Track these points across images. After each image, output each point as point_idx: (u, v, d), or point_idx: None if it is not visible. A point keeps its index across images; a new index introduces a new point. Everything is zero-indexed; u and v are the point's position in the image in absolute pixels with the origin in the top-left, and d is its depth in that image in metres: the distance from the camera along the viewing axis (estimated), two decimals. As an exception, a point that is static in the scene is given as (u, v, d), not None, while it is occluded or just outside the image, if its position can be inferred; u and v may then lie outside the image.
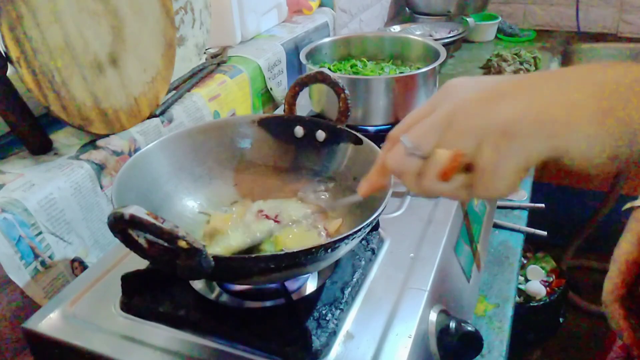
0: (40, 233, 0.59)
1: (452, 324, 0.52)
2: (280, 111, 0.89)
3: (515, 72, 1.43)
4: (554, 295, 1.39)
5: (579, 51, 1.83)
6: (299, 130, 0.64)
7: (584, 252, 1.90)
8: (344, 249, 0.47)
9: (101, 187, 0.67)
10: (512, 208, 0.97)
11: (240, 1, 1.04)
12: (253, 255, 0.41)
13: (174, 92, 0.85)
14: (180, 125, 0.80)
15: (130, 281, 0.53)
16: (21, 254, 0.56)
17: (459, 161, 0.33)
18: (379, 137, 0.87)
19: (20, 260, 0.56)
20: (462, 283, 0.66)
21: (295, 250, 0.41)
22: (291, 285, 0.55)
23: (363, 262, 0.56)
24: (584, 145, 0.31)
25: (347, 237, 0.43)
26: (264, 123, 0.65)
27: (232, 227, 0.56)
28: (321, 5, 1.39)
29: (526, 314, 1.37)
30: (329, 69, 0.99)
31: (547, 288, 1.41)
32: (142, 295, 0.53)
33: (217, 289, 0.55)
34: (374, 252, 0.58)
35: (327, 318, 0.49)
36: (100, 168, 0.67)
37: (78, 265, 0.64)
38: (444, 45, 0.99)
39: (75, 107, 0.65)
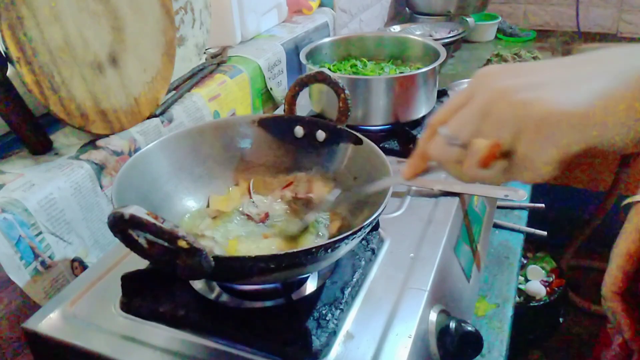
0: (40, 233, 0.59)
1: (452, 324, 0.52)
2: (280, 111, 0.89)
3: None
4: (554, 295, 1.39)
5: (579, 51, 1.83)
6: (299, 130, 0.64)
7: (584, 252, 1.90)
8: (344, 249, 0.47)
9: (101, 187, 0.67)
10: (512, 208, 0.97)
11: (240, 1, 1.04)
12: (253, 255, 0.41)
13: (174, 92, 0.85)
14: (180, 125, 0.81)
15: (130, 281, 0.53)
16: (21, 254, 0.56)
17: (497, 150, 0.34)
18: (379, 137, 0.88)
19: (20, 260, 0.56)
20: (462, 283, 0.66)
21: (295, 250, 0.41)
22: (291, 285, 0.55)
23: (363, 262, 0.56)
24: (618, 137, 0.32)
25: (347, 237, 0.43)
26: (264, 123, 0.65)
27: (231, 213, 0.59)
28: (321, 5, 1.39)
29: (526, 314, 1.37)
30: (329, 69, 0.99)
31: (547, 288, 1.41)
32: (142, 295, 0.53)
33: (217, 289, 0.55)
34: (374, 252, 0.58)
35: (327, 318, 0.49)
36: (100, 168, 0.67)
37: (78, 265, 0.64)
38: (444, 45, 0.99)
39: (75, 107, 0.65)
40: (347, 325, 0.50)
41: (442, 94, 1.02)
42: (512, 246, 0.88)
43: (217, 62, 0.97)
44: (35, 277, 0.58)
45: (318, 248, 0.42)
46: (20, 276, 0.56)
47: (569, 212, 1.80)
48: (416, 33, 1.50)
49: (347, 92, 0.61)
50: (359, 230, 0.44)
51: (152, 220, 0.37)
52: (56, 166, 0.64)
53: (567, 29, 1.96)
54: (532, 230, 0.93)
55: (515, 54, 1.50)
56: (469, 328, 0.52)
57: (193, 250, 0.38)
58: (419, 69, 0.92)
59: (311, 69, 0.90)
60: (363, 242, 0.58)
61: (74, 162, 0.65)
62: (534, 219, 0.97)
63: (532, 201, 0.99)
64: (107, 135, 0.70)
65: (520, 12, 2.02)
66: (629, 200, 0.66)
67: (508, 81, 0.35)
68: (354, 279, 0.53)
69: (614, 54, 0.35)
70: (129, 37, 0.72)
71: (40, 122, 0.67)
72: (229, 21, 1.04)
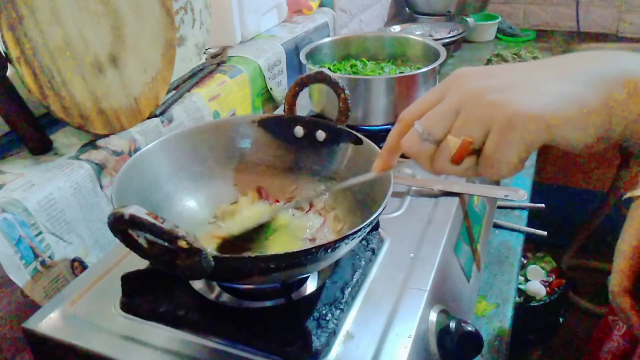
0: (40, 233, 0.59)
1: (452, 324, 0.52)
2: (280, 111, 0.89)
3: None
4: (554, 295, 1.39)
5: (578, 51, 1.83)
6: (299, 130, 0.64)
7: (584, 252, 1.90)
8: (344, 249, 0.47)
9: (101, 187, 0.67)
10: (512, 208, 0.97)
11: (240, 1, 1.04)
12: (253, 255, 0.41)
13: (174, 92, 0.85)
14: (180, 125, 0.80)
15: (130, 281, 0.53)
16: (21, 254, 0.56)
17: (468, 148, 0.36)
18: (379, 137, 0.88)
19: (20, 260, 0.56)
20: (462, 283, 0.66)
21: (295, 250, 0.41)
22: (291, 285, 0.55)
23: (363, 262, 0.56)
24: (579, 134, 0.35)
25: (347, 237, 0.43)
26: (264, 123, 0.65)
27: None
28: (321, 5, 1.39)
29: (526, 314, 1.37)
30: (329, 69, 0.99)
31: (547, 288, 1.41)
32: (142, 295, 0.53)
33: (217, 289, 0.55)
34: (374, 252, 0.58)
35: (327, 318, 0.49)
36: (100, 168, 0.67)
37: (78, 265, 0.64)
38: (444, 45, 0.99)
39: (75, 107, 0.65)
40: (347, 325, 0.50)
41: (442, 94, 1.02)
42: (512, 246, 0.88)
43: (217, 62, 0.97)
44: (35, 277, 0.58)
45: (318, 248, 0.42)
46: (20, 276, 0.56)
47: (569, 212, 1.80)
48: (416, 33, 1.50)
49: (347, 92, 0.61)
50: (359, 230, 0.44)
51: (152, 220, 0.37)
52: (56, 166, 0.64)
53: (567, 29, 1.96)
54: (532, 230, 0.93)
55: (515, 54, 1.50)
56: (469, 328, 0.52)
57: (193, 250, 0.38)
58: (419, 69, 0.92)
59: (311, 69, 0.90)
60: (363, 242, 0.58)
61: (74, 162, 0.65)
62: (534, 219, 0.97)
63: (532, 201, 0.99)
64: (107, 135, 0.70)
65: (520, 12, 2.02)
66: (629, 194, 0.65)
67: (480, 82, 0.37)
68: (354, 279, 0.53)
69: (580, 58, 0.38)
70: (129, 37, 0.72)
71: (40, 122, 0.67)
72: (229, 21, 1.04)
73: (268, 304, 0.53)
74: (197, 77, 0.90)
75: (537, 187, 1.07)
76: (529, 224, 0.95)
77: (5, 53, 0.58)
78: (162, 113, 0.79)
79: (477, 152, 0.37)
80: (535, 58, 1.49)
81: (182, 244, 0.37)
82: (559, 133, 0.34)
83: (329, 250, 0.43)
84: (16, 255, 0.56)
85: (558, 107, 0.34)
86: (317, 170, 0.64)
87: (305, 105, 0.98)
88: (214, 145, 0.63)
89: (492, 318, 0.73)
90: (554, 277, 1.45)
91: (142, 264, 0.54)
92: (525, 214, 0.97)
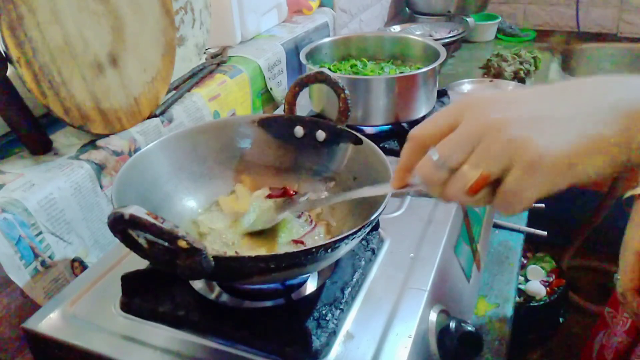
0: (40, 233, 0.59)
1: (452, 324, 0.52)
2: (280, 111, 0.89)
3: (516, 72, 1.43)
4: (554, 295, 1.39)
5: (579, 51, 1.83)
6: (299, 130, 0.64)
7: (584, 252, 1.89)
8: (344, 249, 0.47)
9: (101, 187, 0.67)
10: (512, 208, 0.97)
11: (240, 1, 1.04)
12: (253, 255, 0.41)
13: (174, 92, 0.85)
14: (180, 125, 0.81)
15: (130, 281, 0.53)
16: (21, 254, 0.56)
17: (486, 181, 0.36)
18: (379, 137, 0.88)
19: (20, 260, 0.56)
20: (462, 283, 0.66)
21: (295, 251, 0.41)
22: (291, 285, 0.55)
23: (363, 262, 0.56)
24: (596, 174, 0.35)
25: (347, 237, 0.43)
26: (264, 123, 0.65)
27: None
28: (321, 5, 1.39)
29: (526, 314, 1.36)
30: (329, 69, 0.99)
31: (547, 288, 1.41)
32: (142, 295, 0.53)
33: (217, 289, 0.55)
34: (374, 252, 0.58)
35: (327, 318, 0.49)
36: (100, 168, 0.67)
37: (78, 265, 0.64)
38: (444, 45, 0.99)
39: (75, 107, 0.65)
40: (347, 325, 0.50)
41: (442, 94, 1.02)
42: (512, 246, 0.88)
43: (217, 62, 0.97)
44: (35, 277, 0.58)
45: (318, 248, 0.42)
46: (20, 276, 0.56)
47: (569, 212, 1.80)
48: (416, 33, 1.50)
49: (347, 92, 0.61)
50: (359, 230, 0.44)
51: (152, 220, 0.37)
52: (56, 166, 0.64)
53: (567, 29, 1.96)
54: (532, 230, 0.93)
55: (515, 54, 1.50)
56: (469, 328, 0.52)
57: (193, 250, 0.38)
58: (419, 69, 0.92)
59: (311, 69, 0.90)
60: (363, 242, 0.58)
61: (74, 162, 0.65)
62: (534, 219, 0.97)
63: (533, 201, 0.99)
64: (107, 135, 0.70)
65: (520, 12, 2.02)
66: (629, 193, 0.65)
67: (497, 114, 0.36)
68: (354, 279, 0.53)
69: (593, 88, 0.37)
70: (129, 37, 0.72)
71: (40, 122, 0.67)
72: (229, 21, 1.04)
73: (268, 304, 0.53)
74: (197, 77, 0.90)
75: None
76: (529, 224, 0.95)
77: (5, 53, 0.58)
78: (162, 113, 0.79)
79: (492, 184, 0.37)
80: (535, 58, 1.49)
81: (182, 244, 0.37)
82: (581, 170, 0.35)
83: (329, 250, 0.43)
84: (16, 255, 0.56)
85: (579, 145, 0.35)
86: (317, 170, 0.64)
87: (305, 105, 0.98)
88: (214, 145, 0.63)
89: (492, 318, 0.73)
90: (554, 277, 1.45)
91: (142, 264, 0.54)
92: (525, 214, 0.97)
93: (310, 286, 0.56)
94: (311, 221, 0.59)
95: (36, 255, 0.58)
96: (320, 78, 0.62)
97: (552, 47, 1.74)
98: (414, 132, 0.41)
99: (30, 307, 0.58)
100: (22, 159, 0.65)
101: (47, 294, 0.59)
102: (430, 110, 0.93)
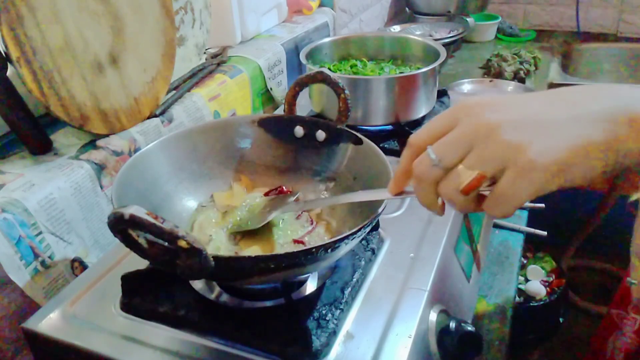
0: (40, 233, 0.59)
1: (452, 324, 0.52)
2: (280, 111, 0.89)
3: (516, 72, 1.43)
4: (554, 295, 1.39)
5: (579, 51, 1.83)
6: (299, 130, 0.64)
7: (584, 252, 1.89)
8: (344, 249, 0.47)
9: (101, 187, 0.67)
10: (512, 208, 0.97)
11: (240, 1, 1.04)
12: (253, 255, 0.41)
13: (174, 92, 0.85)
14: (180, 125, 0.81)
15: (130, 281, 0.53)
16: (21, 254, 0.56)
17: (481, 181, 0.37)
18: (379, 137, 0.88)
19: (20, 260, 0.56)
20: (462, 283, 0.66)
21: (295, 251, 0.41)
22: (291, 285, 0.55)
23: (363, 262, 0.56)
24: (586, 177, 0.36)
25: (347, 237, 0.43)
26: (264, 123, 0.65)
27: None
28: (321, 5, 1.39)
29: (526, 314, 1.36)
30: (329, 69, 0.99)
31: (547, 288, 1.41)
32: (142, 295, 0.53)
33: (217, 289, 0.55)
34: (374, 252, 0.58)
35: (327, 318, 0.49)
36: (100, 168, 0.67)
37: (78, 265, 0.64)
38: (444, 45, 0.99)
39: (75, 107, 0.65)
40: (347, 325, 0.50)
41: (442, 94, 1.02)
42: (512, 246, 0.88)
43: (217, 62, 0.97)
44: (35, 277, 0.58)
45: (318, 248, 0.42)
46: (20, 276, 0.56)
47: (569, 212, 1.80)
48: (416, 33, 1.50)
49: (347, 92, 0.61)
50: (359, 230, 0.44)
51: (152, 220, 0.37)
52: (56, 166, 0.64)
53: (567, 29, 1.96)
54: (532, 230, 0.93)
55: (515, 54, 1.50)
56: (469, 328, 0.52)
57: (193, 250, 0.38)
58: (419, 69, 0.92)
59: (311, 69, 0.90)
60: (363, 242, 0.58)
61: (74, 162, 0.65)
62: (534, 219, 0.97)
63: (532, 201, 0.99)
64: (107, 135, 0.70)
65: (520, 12, 2.02)
66: (635, 196, 0.65)
67: (493, 115, 0.37)
68: (354, 279, 0.53)
69: (586, 95, 0.38)
70: (129, 37, 0.72)
71: (40, 122, 0.67)
72: (229, 21, 1.04)
73: (268, 304, 0.53)
74: (197, 77, 0.90)
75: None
76: (529, 224, 0.95)
77: (5, 53, 0.58)
78: (162, 113, 0.79)
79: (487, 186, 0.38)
80: (535, 58, 1.49)
81: (182, 244, 0.37)
82: (571, 173, 0.36)
83: (329, 250, 0.43)
84: (16, 255, 0.56)
85: (569, 149, 0.36)
86: (317, 170, 0.64)
87: (305, 105, 0.98)
88: (214, 145, 0.63)
89: (492, 318, 0.73)
90: (554, 277, 1.45)
91: (142, 264, 0.54)
92: (525, 214, 0.97)
93: (310, 286, 0.56)
94: (311, 221, 0.59)
95: (36, 255, 0.58)
96: (320, 78, 0.62)
97: (552, 47, 1.74)
98: (413, 138, 0.41)
99: (30, 307, 0.58)
100: (22, 159, 0.65)
101: (47, 294, 0.59)
102: (430, 110, 0.93)
